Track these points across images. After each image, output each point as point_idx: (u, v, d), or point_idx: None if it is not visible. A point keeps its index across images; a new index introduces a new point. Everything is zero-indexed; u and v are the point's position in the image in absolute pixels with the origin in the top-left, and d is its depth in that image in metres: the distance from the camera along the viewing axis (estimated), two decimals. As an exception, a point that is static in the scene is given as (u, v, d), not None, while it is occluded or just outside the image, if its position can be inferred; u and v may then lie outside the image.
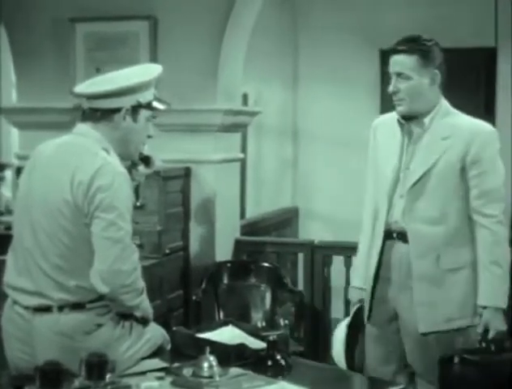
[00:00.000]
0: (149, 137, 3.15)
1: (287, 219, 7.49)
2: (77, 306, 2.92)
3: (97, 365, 2.58)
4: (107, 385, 2.60)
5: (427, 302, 3.28)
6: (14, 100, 5.61)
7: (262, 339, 3.13)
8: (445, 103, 3.37)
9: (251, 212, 7.43)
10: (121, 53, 5.06)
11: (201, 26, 4.97)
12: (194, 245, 5.03)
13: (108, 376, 2.61)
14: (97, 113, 3.03)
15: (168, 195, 4.75)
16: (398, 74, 3.29)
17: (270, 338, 3.04)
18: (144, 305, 3.04)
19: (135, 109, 3.03)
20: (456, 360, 3.05)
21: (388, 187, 3.37)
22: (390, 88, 3.32)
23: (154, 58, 4.97)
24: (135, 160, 3.20)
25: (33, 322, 2.93)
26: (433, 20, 7.21)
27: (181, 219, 4.96)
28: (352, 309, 3.57)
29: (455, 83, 7.42)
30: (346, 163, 7.35)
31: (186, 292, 4.95)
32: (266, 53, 7.32)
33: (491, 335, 3.24)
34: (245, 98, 7.05)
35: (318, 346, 4.99)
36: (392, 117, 3.42)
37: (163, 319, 3.70)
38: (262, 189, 7.82)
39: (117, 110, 3.02)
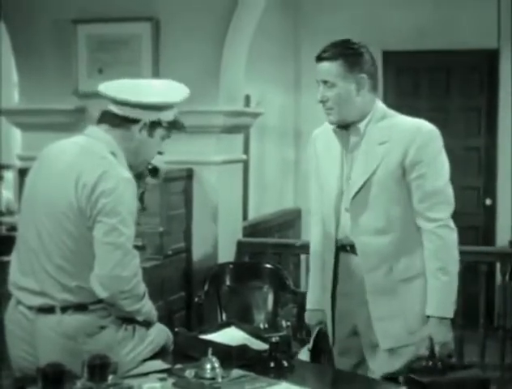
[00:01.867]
0: (159, 153, 3.16)
1: (289, 220, 7.49)
2: (80, 308, 2.91)
3: (99, 367, 2.58)
4: (109, 386, 2.60)
5: (385, 316, 3.13)
6: (17, 102, 5.61)
7: (265, 340, 3.12)
8: (380, 106, 3.21)
9: (253, 214, 7.42)
10: (123, 54, 5.07)
11: (203, 27, 4.98)
12: (197, 247, 5.03)
13: (110, 377, 2.61)
14: (117, 118, 3.01)
15: (171, 197, 4.76)
16: (324, 82, 3.15)
17: (273, 339, 3.04)
18: (145, 309, 3.02)
19: (153, 125, 3.02)
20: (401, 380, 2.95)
21: (334, 201, 3.21)
22: (318, 97, 3.18)
23: (156, 60, 4.98)
24: (142, 172, 3.19)
25: (36, 323, 2.93)
26: (435, 22, 7.24)
27: (183, 220, 4.96)
28: (313, 333, 3.39)
29: (457, 85, 7.53)
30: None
31: (188, 293, 4.96)
32: (269, 55, 7.33)
33: (436, 349, 3.05)
34: (247, 99, 7.04)
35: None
36: (330, 126, 3.27)
37: (165, 321, 3.69)
38: (264, 190, 7.82)
39: (136, 121, 3.00)
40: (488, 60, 7.43)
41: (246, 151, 6.88)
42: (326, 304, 3.32)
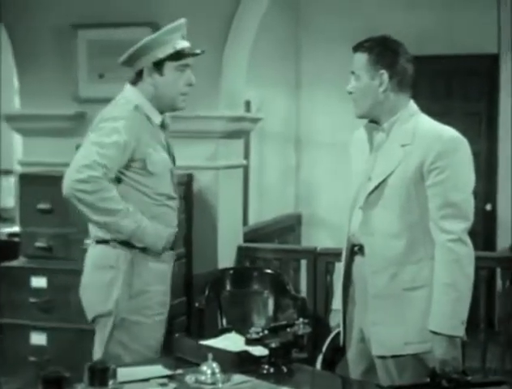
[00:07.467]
0: (189, 85, 3.52)
1: (289, 225, 7.48)
2: (103, 241, 3.36)
3: (99, 372, 2.58)
4: (109, 392, 2.60)
5: (381, 322, 3.06)
6: (18, 107, 5.62)
7: (265, 345, 3.12)
8: (412, 108, 3.14)
9: (254, 219, 7.43)
10: (123, 59, 5.06)
11: (203, 32, 4.97)
12: (197, 252, 5.03)
13: (110, 382, 2.61)
14: (137, 75, 3.42)
15: (171, 202, 4.75)
16: (352, 73, 3.15)
17: (273, 345, 3.04)
18: (116, 227, 3.27)
19: (157, 65, 3.37)
20: None
21: (352, 198, 3.22)
22: (347, 88, 3.18)
23: (156, 65, 4.98)
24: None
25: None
26: (435, 27, 7.25)
27: (183, 225, 4.95)
28: (330, 336, 3.34)
29: (458, 90, 7.53)
30: (349, 170, 7.34)
31: (189, 299, 4.95)
32: (269, 60, 7.34)
33: (437, 366, 2.93)
34: (247, 105, 7.05)
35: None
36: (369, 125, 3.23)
37: (165, 326, 3.69)
38: (264, 195, 7.82)
39: (142, 71, 3.38)
40: (489, 65, 7.43)
41: (247, 156, 6.89)
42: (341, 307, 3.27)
